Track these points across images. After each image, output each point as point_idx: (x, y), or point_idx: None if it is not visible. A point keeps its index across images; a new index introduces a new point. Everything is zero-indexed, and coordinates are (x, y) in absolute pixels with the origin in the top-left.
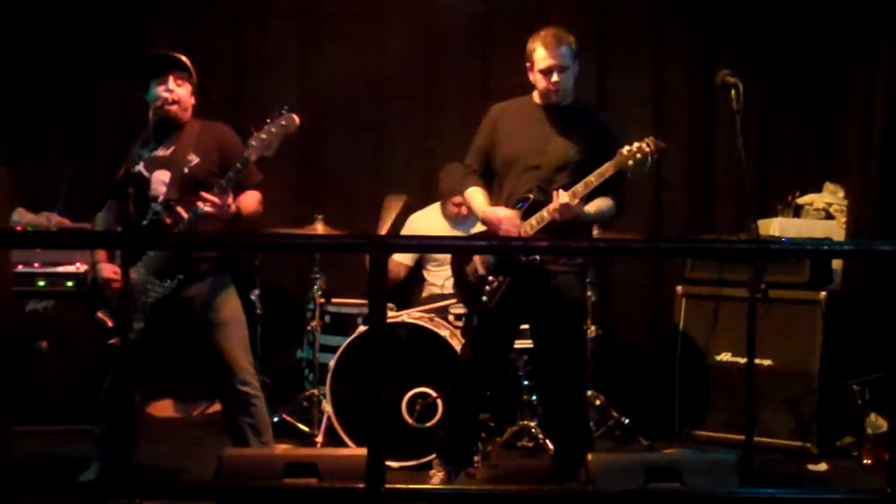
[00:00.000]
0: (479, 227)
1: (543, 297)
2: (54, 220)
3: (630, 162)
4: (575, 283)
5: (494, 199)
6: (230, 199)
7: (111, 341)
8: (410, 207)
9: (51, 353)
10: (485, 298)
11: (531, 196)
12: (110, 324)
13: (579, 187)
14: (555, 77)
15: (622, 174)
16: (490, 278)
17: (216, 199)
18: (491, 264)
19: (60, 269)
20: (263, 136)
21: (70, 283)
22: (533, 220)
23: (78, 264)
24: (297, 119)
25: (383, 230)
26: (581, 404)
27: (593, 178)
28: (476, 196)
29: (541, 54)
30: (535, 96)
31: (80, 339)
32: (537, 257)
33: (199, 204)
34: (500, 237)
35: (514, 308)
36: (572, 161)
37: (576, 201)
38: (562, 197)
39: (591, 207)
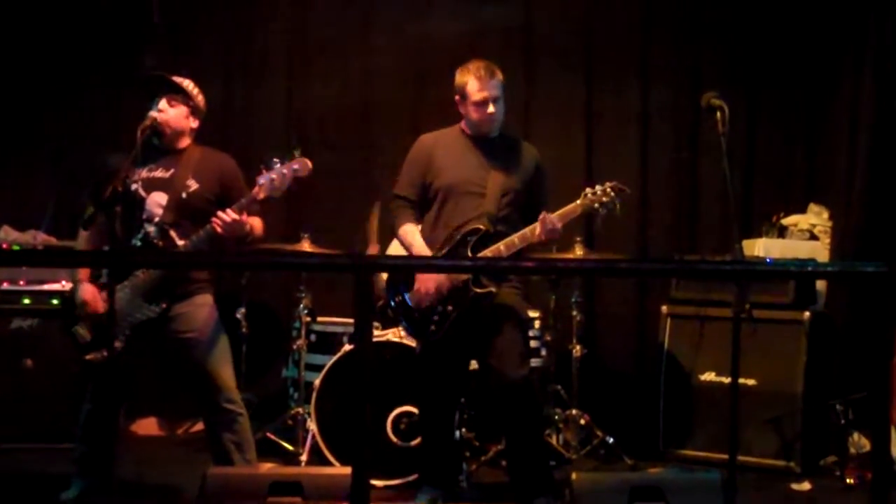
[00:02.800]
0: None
1: (490, 316)
2: (40, 238)
3: (596, 205)
4: (520, 300)
5: (428, 230)
6: (245, 217)
7: (88, 357)
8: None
9: (35, 371)
10: (433, 328)
11: (481, 227)
12: (88, 338)
13: (556, 217)
14: (490, 108)
15: (545, 200)
16: (439, 308)
17: (234, 216)
18: (441, 294)
19: (46, 286)
20: (274, 176)
21: (55, 301)
22: (502, 247)
23: (63, 282)
24: (309, 164)
25: (370, 240)
26: (537, 431)
27: (566, 214)
28: (414, 234)
29: (474, 86)
30: (465, 127)
31: (65, 357)
32: (493, 290)
33: (214, 224)
34: (486, 258)
35: (461, 337)
36: (513, 189)
37: (559, 225)
38: (549, 220)
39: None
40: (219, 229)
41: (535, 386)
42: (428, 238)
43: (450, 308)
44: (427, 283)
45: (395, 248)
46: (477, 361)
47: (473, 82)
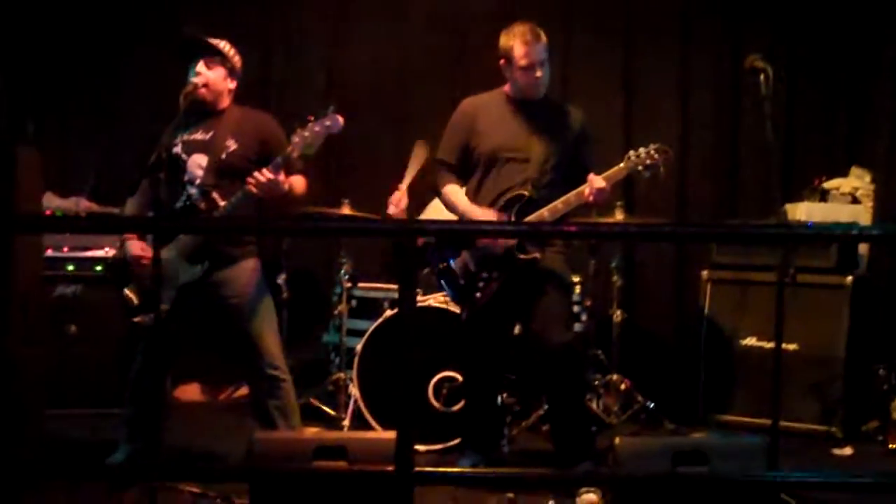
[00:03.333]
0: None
1: (534, 281)
2: (82, 205)
3: (640, 167)
4: (564, 264)
5: (471, 195)
6: (283, 177)
7: (136, 319)
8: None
9: (79, 338)
10: (478, 295)
11: (525, 194)
12: (136, 301)
13: (602, 178)
14: (538, 73)
15: (592, 164)
16: (484, 274)
17: (270, 175)
18: (483, 260)
19: (89, 253)
20: (307, 133)
21: (98, 268)
22: (545, 213)
23: (106, 249)
24: (341, 120)
25: (404, 182)
26: (579, 398)
27: (612, 176)
28: (457, 193)
29: (520, 51)
30: (509, 91)
31: (109, 323)
32: (538, 256)
33: (249, 184)
34: (529, 223)
35: (505, 303)
36: (557, 154)
37: (608, 186)
38: (598, 182)
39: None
40: (254, 189)
41: (578, 351)
42: (479, 204)
43: (495, 274)
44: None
45: (434, 211)
46: (521, 326)
47: (520, 47)
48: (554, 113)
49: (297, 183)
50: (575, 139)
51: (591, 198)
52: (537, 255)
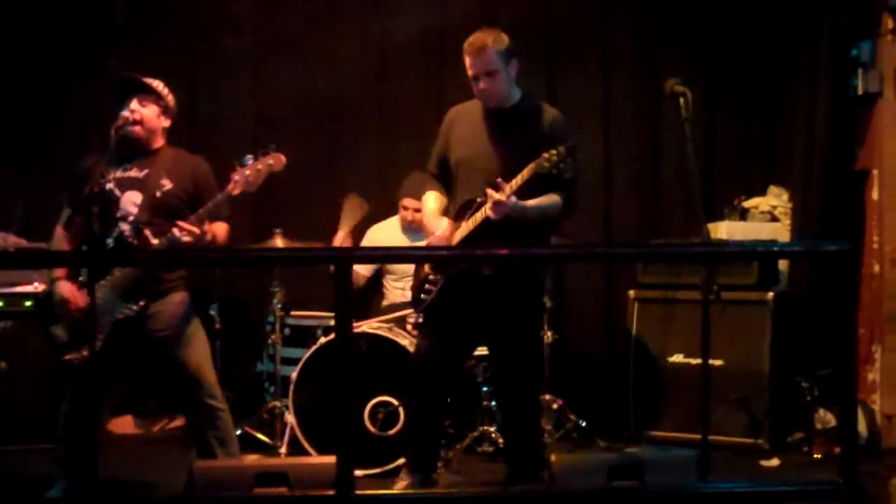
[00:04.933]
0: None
1: (496, 307)
2: (10, 240)
3: (546, 164)
4: (524, 287)
5: (451, 202)
6: (207, 227)
7: (67, 357)
8: (367, 216)
9: (9, 373)
10: (423, 296)
11: (478, 199)
12: (65, 339)
13: (506, 188)
14: (482, 84)
15: (568, 175)
16: (431, 277)
17: (194, 228)
18: (435, 266)
19: (18, 289)
20: (248, 172)
21: (28, 303)
22: (469, 222)
23: (36, 284)
24: (283, 158)
25: (341, 231)
26: (535, 409)
27: (514, 183)
28: (427, 202)
29: (467, 62)
30: None
31: (39, 359)
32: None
33: (175, 232)
34: (448, 247)
35: (459, 311)
36: (521, 161)
37: (505, 198)
38: (492, 195)
39: (534, 202)
40: (181, 236)
41: (533, 374)
42: (451, 213)
43: (439, 278)
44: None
45: (369, 240)
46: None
47: (466, 58)
48: (524, 118)
49: (220, 231)
50: (541, 142)
51: (492, 214)
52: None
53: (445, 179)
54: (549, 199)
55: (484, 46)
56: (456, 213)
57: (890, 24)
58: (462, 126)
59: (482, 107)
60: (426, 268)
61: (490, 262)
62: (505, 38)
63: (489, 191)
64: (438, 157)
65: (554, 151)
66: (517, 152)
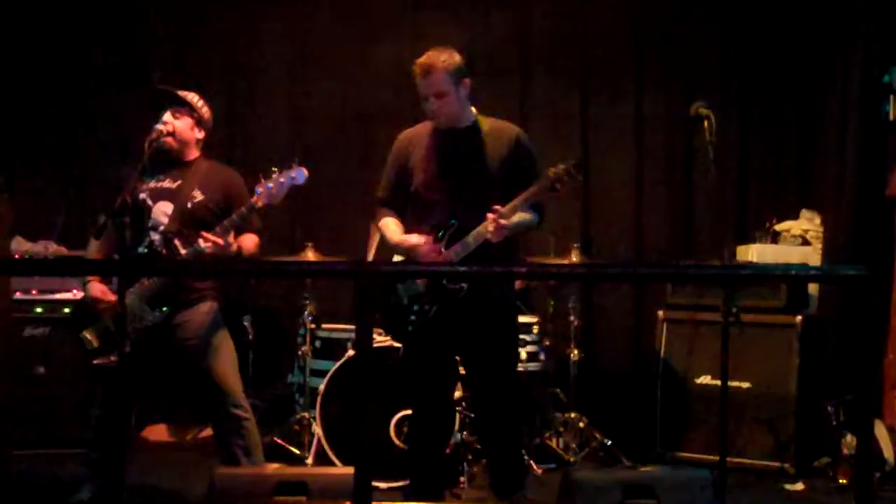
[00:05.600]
0: (396, 257)
1: (474, 324)
2: (51, 248)
3: (558, 185)
4: (504, 308)
5: (409, 227)
6: (231, 239)
7: (96, 361)
8: None
9: (47, 378)
10: (409, 328)
11: (453, 223)
12: (96, 344)
13: (507, 210)
14: (431, 105)
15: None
16: (415, 307)
17: (217, 239)
18: (416, 293)
19: (57, 295)
20: (272, 185)
21: (66, 310)
22: (458, 247)
23: (74, 291)
24: (305, 172)
25: (369, 256)
26: (517, 432)
27: (519, 202)
28: (389, 225)
29: (418, 83)
30: None
31: (76, 364)
32: (464, 286)
33: (200, 242)
34: (473, 266)
35: (442, 336)
36: (481, 181)
37: (505, 222)
38: (495, 219)
39: (515, 218)
40: (205, 247)
41: (515, 394)
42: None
43: (426, 307)
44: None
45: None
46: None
47: (417, 79)
48: (480, 137)
49: (248, 243)
50: (506, 159)
51: (492, 237)
52: (463, 284)
53: (400, 205)
54: (525, 215)
55: (432, 67)
56: (426, 234)
57: None
58: (418, 150)
59: (434, 129)
60: (403, 297)
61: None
62: (456, 58)
63: (490, 215)
64: (393, 183)
65: (561, 171)
66: (478, 173)
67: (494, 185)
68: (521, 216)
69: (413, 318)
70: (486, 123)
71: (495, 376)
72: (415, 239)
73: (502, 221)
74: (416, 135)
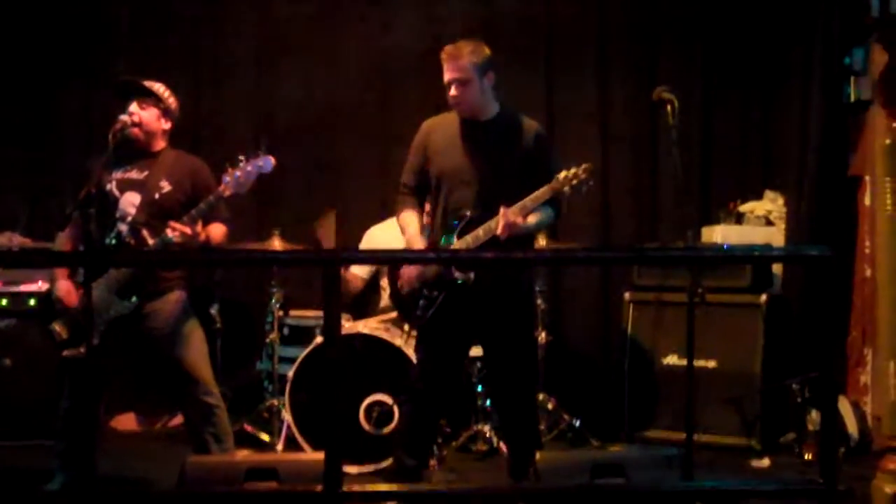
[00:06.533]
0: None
1: (488, 317)
2: (16, 240)
3: (566, 188)
4: (517, 298)
5: (433, 216)
6: (199, 228)
7: (65, 353)
8: (340, 217)
9: (13, 370)
10: (419, 313)
11: (467, 213)
12: (64, 335)
13: (516, 209)
14: (453, 91)
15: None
16: (425, 292)
17: (185, 229)
18: (425, 280)
19: (23, 287)
20: (239, 173)
21: (32, 302)
22: (469, 238)
23: (40, 283)
24: (273, 160)
25: (326, 243)
26: (533, 411)
27: (529, 203)
28: (409, 222)
29: (444, 69)
30: None
31: (43, 356)
32: (472, 275)
33: (168, 232)
34: (450, 249)
35: (454, 323)
36: (503, 173)
37: (520, 220)
38: (507, 216)
39: (532, 219)
40: (173, 237)
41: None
42: (435, 225)
43: (435, 293)
44: (409, 269)
45: (369, 240)
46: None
47: (443, 64)
48: (503, 129)
49: (215, 232)
50: (526, 154)
51: (500, 232)
52: (471, 275)
53: (423, 192)
54: (546, 213)
55: (459, 55)
56: (443, 225)
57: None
58: (439, 138)
59: (458, 119)
60: (415, 282)
61: (481, 271)
62: (485, 50)
63: (503, 210)
64: (415, 170)
65: (572, 175)
66: (499, 165)
67: (511, 179)
68: (536, 216)
69: (422, 302)
70: (508, 117)
71: (510, 362)
72: (419, 244)
73: (510, 219)
74: (439, 123)
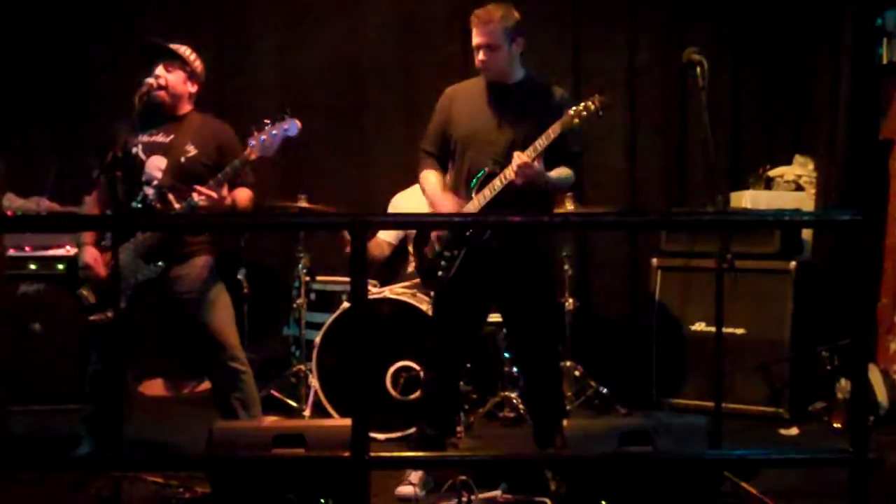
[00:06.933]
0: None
1: (506, 280)
2: (44, 204)
3: (576, 120)
4: (535, 262)
5: (452, 180)
6: (225, 192)
7: (92, 317)
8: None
9: (43, 335)
10: (440, 273)
11: (486, 169)
12: (92, 300)
13: (529, 150)
14: (481, 55)
15: (576, 149)
16: (445, 253)
17: (211, 193)
18: (446, 241)
19: (51, 252)
20: (265, 137)
21: (60, 266)
22: (486, 191)
23: (67, 247)
24: (298, 124)
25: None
26: (555, 377)
27: (543, 139)
28: (429, 178)
29: (473, 32)
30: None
31: (71, 320)
32: (488, 233)
33: (194, 196)
34: (471, 214)
35: (474, 284)
36: (525, 137)
37: (534, 162)
38: (519, 157)
39: (553, 173)
40: (199, 200)
41: (553, 339)
42: (454, 189)
43: (455, 252)
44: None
45: (395, 206)
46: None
47: (473, 28)
48: (529, 96)
49: (241, 197)
50: (546, 118)
51: (516, 178)
52: (487, 234)
53: (443, 158)
54: (564, 171)
55: (490, 19)
56: (465, 186)
57: None
58: (463, 103)
59: (484, 84)
60: (436, 245)
61: (503, 232)
62: (514, 15)
63: (516, 153)
64: (437, 135)
65: (581, 107)
66: (524, 126)
67: (533, 141)
68: (559, 171)
69: (443, 263)
70: (534, 81)
71: (528, 326)
72: (441, 197)
73: (522, 160)
74: (462, 88)
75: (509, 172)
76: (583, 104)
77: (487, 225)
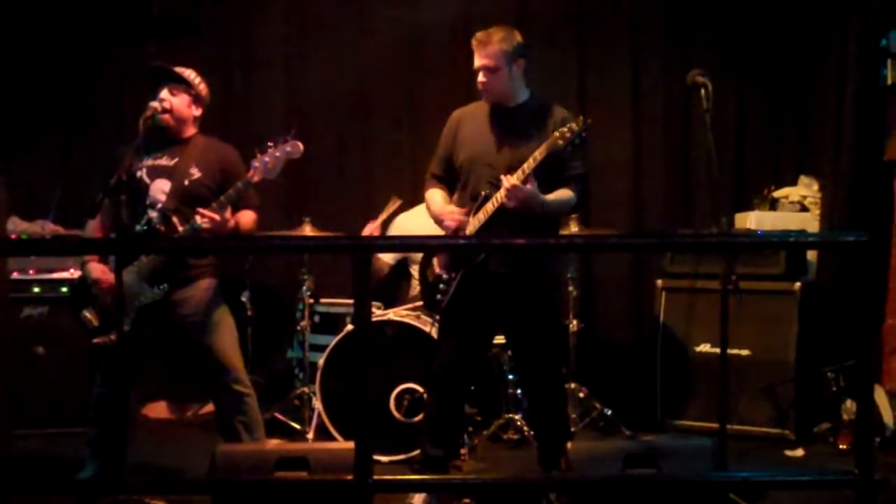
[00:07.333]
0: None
1: (510, 303)
2: (48, 227)
3: (560, 142)
4: (540, 285)
5: (457, 203)
6: (228, 214)
7: (96, 340)
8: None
9: (46, 358)
10: (439, 296)
11: (483, 192)
12: (95, 323)
13: (518, 173)
14: (481, 77)
15: (577, 170)
16: (444, 276)
17: (214, 215)
18: (444, 263)
19: (55, 275)
20: (267, 159)
21: (64, 289)
22: (480, 214)
23: (72, 270)
24: (301, 146)
25: (381, 217)
26: (560, 400)
27: (530, 162)
28: (434, 197)
29: (474, 55)
30: None
31: (75, 343)
32: (482, 255)
33: (197, 219)
34: (474, 236)
35: (474, 306)
36: (522, 159)
37: (519, 182)
38: (507, 180)
39: (552, 196)
40: (203, 223)
41: (557, 361)
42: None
43: (452, 274)
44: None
45: (397, 229)
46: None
47: (473, 51)
48: (531, 117)
49: (245, 219)
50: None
51: (507, 200)
52: (481, 255)
53: (449, 181)
54: (564, 193)
55: (489, 42)
56: (465, 209)
57: None
58: (467, 127)
59: (487, 107)
60: (436, 268)
61: (506, 255)
62: (516, 37)
63: (503, 176)
64: (442, 159)
65: (566, 129)
66: (524, 148)
67: (538, 165)
68: (559, 193)
69: (441, 286)
70: (537, 103)
71: (532, 349)
72: (447, 212)
73: (511, 182)
74: (468, 112)
75: (500, 195)
76: (567, 126)
77: (492, 248)
